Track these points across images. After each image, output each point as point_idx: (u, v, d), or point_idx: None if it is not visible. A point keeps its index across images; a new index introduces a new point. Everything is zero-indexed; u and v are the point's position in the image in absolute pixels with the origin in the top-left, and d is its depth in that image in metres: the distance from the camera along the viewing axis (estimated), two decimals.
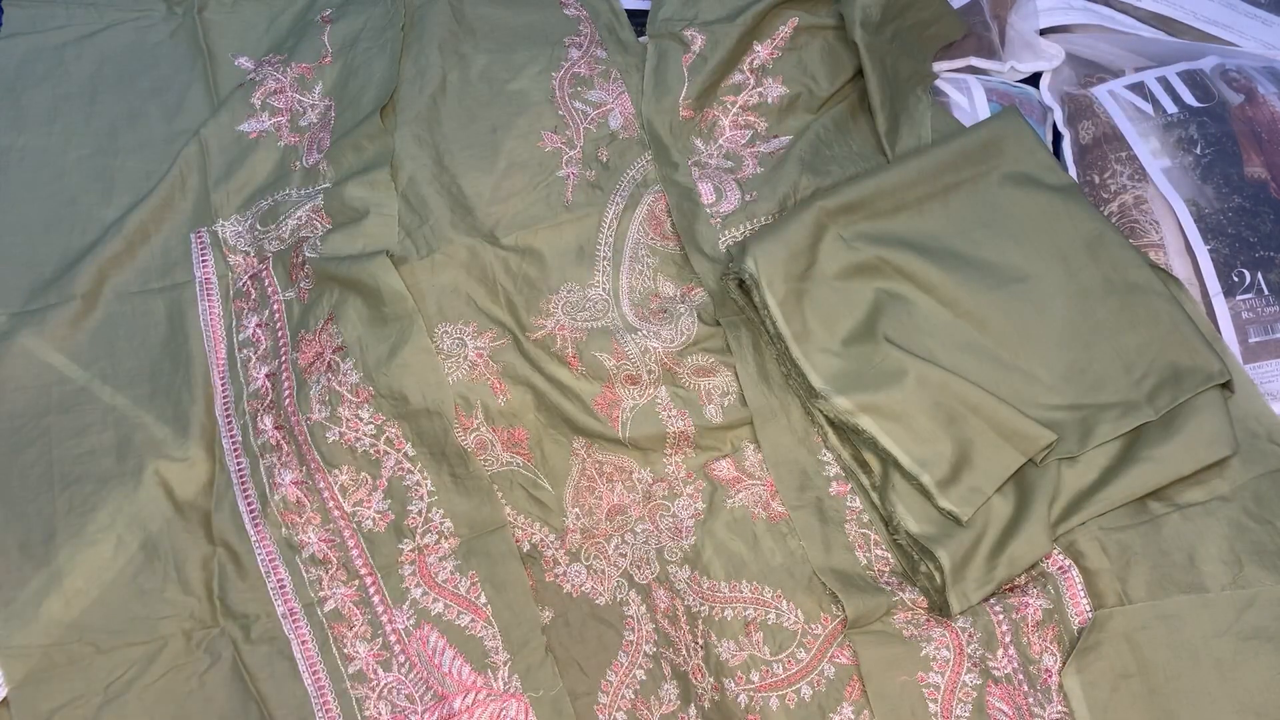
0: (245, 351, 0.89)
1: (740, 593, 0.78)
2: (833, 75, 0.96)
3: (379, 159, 0.92)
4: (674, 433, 0.82)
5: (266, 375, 0.87)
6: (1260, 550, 0.75)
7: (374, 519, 0.81)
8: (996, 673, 0.74)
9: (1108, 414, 0.78)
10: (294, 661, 0.78)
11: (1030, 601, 0.74)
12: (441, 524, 0.81)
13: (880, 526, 0.79)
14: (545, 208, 0.90)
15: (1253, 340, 0.86)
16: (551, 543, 0.83)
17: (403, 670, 0.78)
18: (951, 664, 0.74)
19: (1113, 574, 0.75)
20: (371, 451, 0.82)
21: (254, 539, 0.81)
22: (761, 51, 0.97)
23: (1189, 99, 0.98)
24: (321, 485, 0.81)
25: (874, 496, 0.79)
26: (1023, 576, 0.77)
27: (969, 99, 1.02)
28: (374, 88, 0.97)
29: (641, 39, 1.02)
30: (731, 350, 0.84)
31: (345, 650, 0.79)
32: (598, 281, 0.88)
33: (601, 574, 0.83)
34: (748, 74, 0.97)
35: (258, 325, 0.89)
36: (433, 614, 0.79)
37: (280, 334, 0.88)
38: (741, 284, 0.84)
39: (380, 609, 0.79)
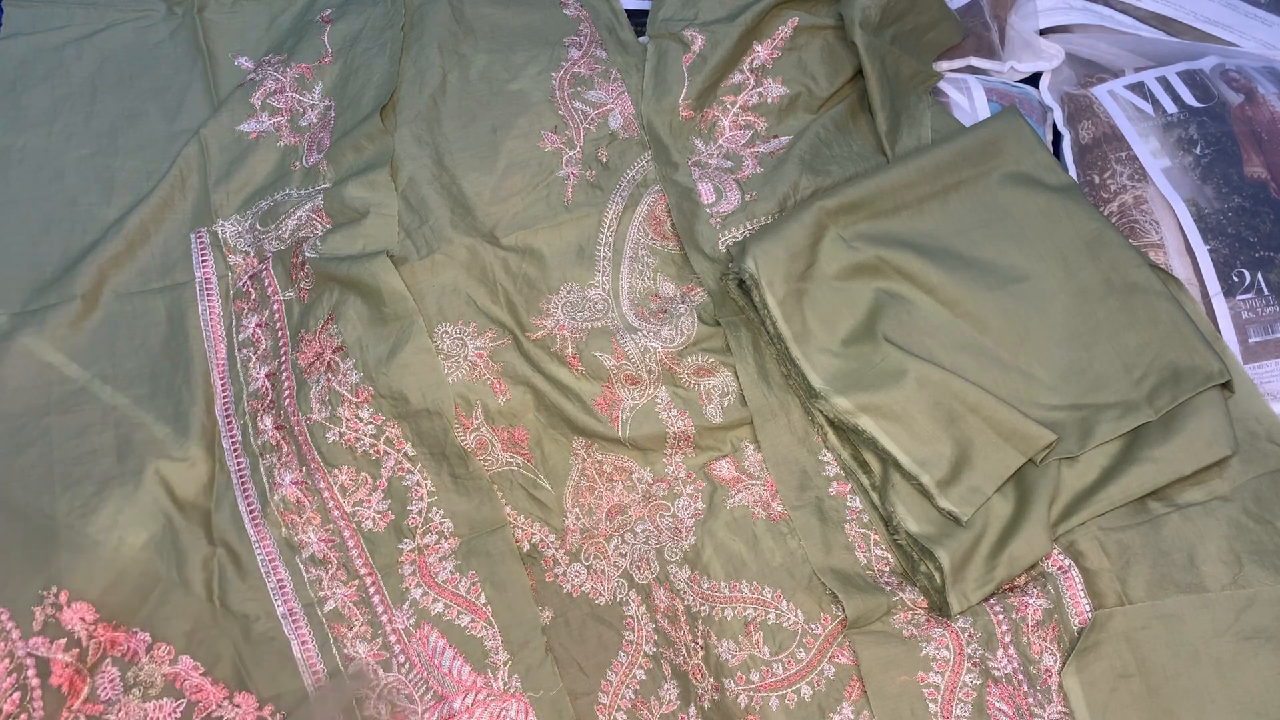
0: (245, 351, 0.89)
1: (740, 593, 0.78)
2: (833, 75, 0.96)
3: (379, 159, 0.92)
4: (674, 433, 0.82)
5: (266, 375, 0.87)
6: (1260, 550, 0.75)
7: (374, 519, 0.81)
8: (996, 673, 0.74)
9: (1107, 414, 0.78)
10: (294, 661, 0.78)
11: (1030, 601, 0.74)
12: (441, 524, 0.81)
13: (880, 526, 0.79)
14: (545, 208, 0.90)
15: (1253, 340, 0.86)
16: (551, 543, 0.83)
17: (403, 670, 0.78)
18: (951, 664, 0.74)
19: (1113, 574, 0.75)
20: (371, 451, 0.82)
21: (254, 539, 0.81)
22: (761, 51, 0.97)
23: (1189, 99, 0.98)
24: (321, 485, 0.81)
25: (874, 496, 0.79)
26: (1023, 576, 0.77)
27: (969, 99, 1.02)
28: (374, 88, 0.97)
29: (641, 39, 1.02)
30: (731, 350, 0.84)
31: (345, 650, 0.79)
32: (598, 281, 0.88)
33: (601, 574, 0.83)
34: (748, 74, 0.97)
35: (258, 325, 0.89)
36: (433, 614, 0.79)
37: (280, 334, 0.88)
38: (741, 284, 0.84)
39: (380, 609, 0.80)
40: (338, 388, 0.82)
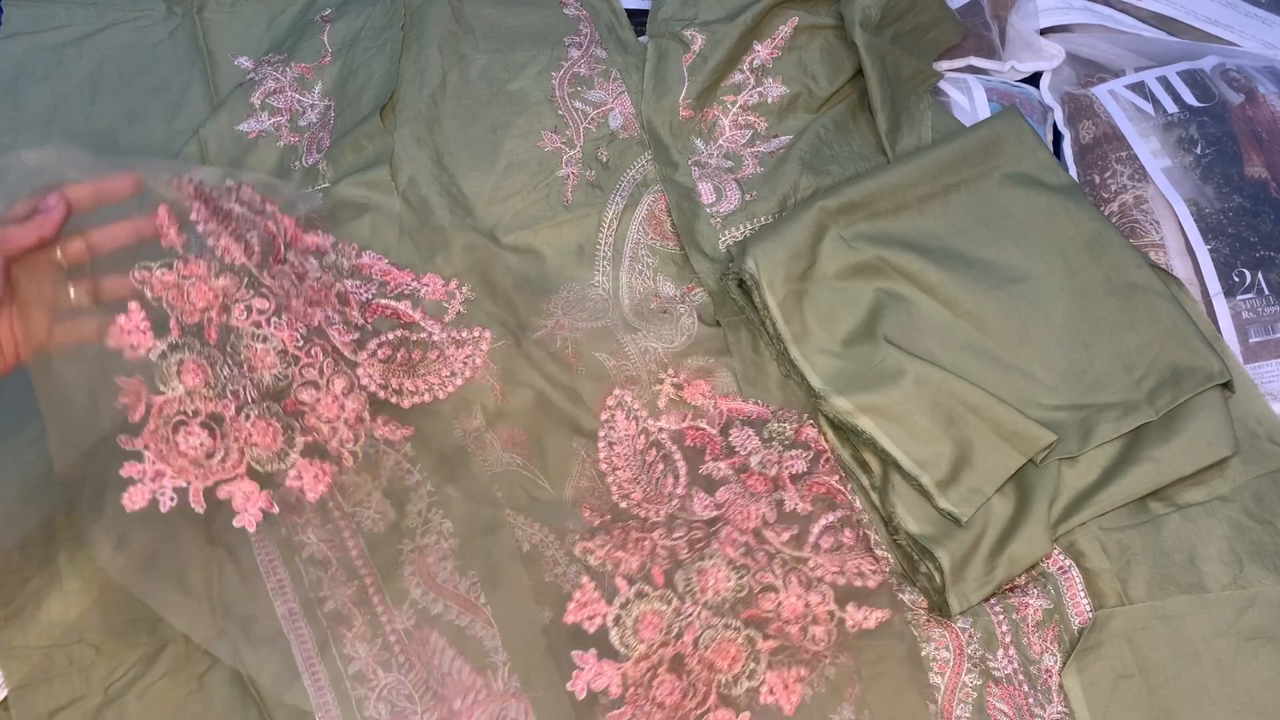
0: None
1: None
2: (833, 75, 0.96)
3: (379, 159, 0.92)
4: None
5: None
6: (1260, 550, 0.75)
7: (374, 519, 0.81)
8: (997, 673, 0.73)
9: (1108, 414, 0.78)
10: (294, 662, 0.78)
11: (1030, 601, 0.74)
12: (441, 524, 0.81)
13: (880, 526, 0.79)
14: (545, 207, 0.90)
15: (1253, 340, 0.86)
16: (551, 543, 0.83)
17: (402, 671, 0.78)
18: (951, 664, 0.74)
19: (1113, 574, 0.75)
20: (371, 451, 0.82)
21: (254, 539, 0.81)
22: (761, 51, 0.97)
23: (1189, 99, 0.98)
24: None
25: (874, 497, 0.79)
26: (1023, 576, 0.77)
27: (969, 99, 1.02)
28: (374, 88, 0.97)
29: (641, 39, 1.02)
30: (731, 350, 0.84)
31: (345, 651, 0.78)
32: (598, 281, 0.88)
33: (601, 574, 0.82)
34: (748, 74, 0.97)
35: None
36: (432, 614, 0.79)
37: None
38: (741, 284, 0.84)
39: (380, 609, 0.79)
40: None
